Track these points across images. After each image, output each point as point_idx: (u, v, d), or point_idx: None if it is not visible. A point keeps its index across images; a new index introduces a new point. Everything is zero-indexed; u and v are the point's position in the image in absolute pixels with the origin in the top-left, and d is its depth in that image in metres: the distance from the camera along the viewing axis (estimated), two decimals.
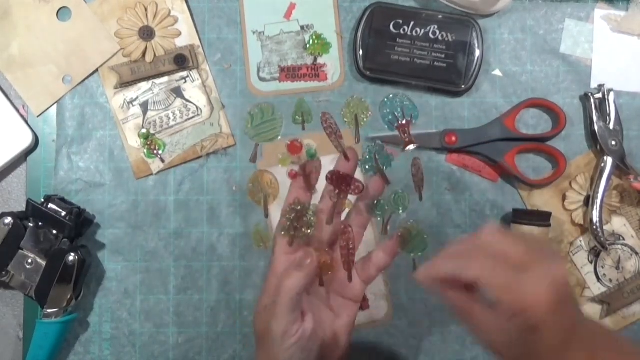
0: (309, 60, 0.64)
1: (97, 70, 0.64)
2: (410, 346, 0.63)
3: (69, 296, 0.59)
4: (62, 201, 0.61)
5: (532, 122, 0.64)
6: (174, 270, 0.63)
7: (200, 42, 0.64)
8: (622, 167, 0.62)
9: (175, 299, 0.63)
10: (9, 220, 0.59)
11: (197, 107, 0.64)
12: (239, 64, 0.64)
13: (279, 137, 0.48)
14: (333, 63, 0.64)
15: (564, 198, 0.63)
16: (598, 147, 0.62)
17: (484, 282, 0.41)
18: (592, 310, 0.62)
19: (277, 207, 0.49)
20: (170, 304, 0.63)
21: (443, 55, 0.63)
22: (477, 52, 0.62)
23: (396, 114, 0.49)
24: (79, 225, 0.61)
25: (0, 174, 0.64)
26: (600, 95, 0.63)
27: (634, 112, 0.64)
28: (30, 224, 0.60)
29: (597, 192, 0.61)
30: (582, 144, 0.64)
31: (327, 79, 0.64)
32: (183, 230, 0.63)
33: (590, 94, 0.63)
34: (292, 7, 0.64)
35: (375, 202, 0.49)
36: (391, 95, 0.49)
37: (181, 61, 0.63)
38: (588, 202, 0.62)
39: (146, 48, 0.63)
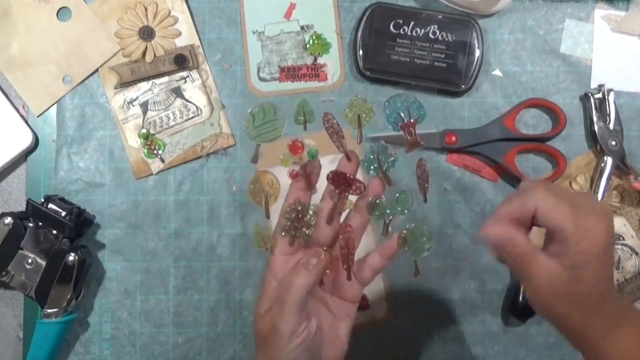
0: (309, 60, 0.64)
1: (97, 70, 0.64)
2: (410, 346, 0.63)
3: (69, 296, 0.59)
4: (62, 201, 0.61)
5: (532, 122, 0.64)
6: (174, 270, 0.63)
7: (200, 42, 0.64)
8: (622, 167, 0.62)
9: (175, 299, 0.63)
10: (9, 220, 0.59)
11: (197, 107, 0.64)
12: (239, 64, 0.64)
13: (281, 137, 0.48)
14: (333, 63, 0.64)
15: None
16: (598, 147, 0.62)
17: (546, 210, 0.43)
18: None
19: (278, 207, 0.49)
20: (170, 304, 0.63)
21: (443, 55, 0.63)
22: (477, 52, 0.62)
23: (401, 113, 0.49)
24: (79, 225, 0.61)
25: (0, 174, 0.64)
26: (600, 95, 0.63)
27: (634, 112, 0.64)
28: (30, 224, 0.60)
29: (597, 192, 0.61)
30: (582, 144, 0.64)
31: (327, 79, 0.64)
32: (183, 230, 0.63)
33: (590, 94, 0.63)
34: (292, 7, 0.64)
35: (377, 202, 0.48)
36: (397, 95, 0.49)
37: (181, 61, 0.63)
38: None
39: (146, 48, 0.63)
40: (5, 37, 0.63)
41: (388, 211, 0.48)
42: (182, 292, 0.63)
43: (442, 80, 0.63)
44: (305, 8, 0.64)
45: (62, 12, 0.64)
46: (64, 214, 0.60)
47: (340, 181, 0.47)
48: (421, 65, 0.63)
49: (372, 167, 0.48)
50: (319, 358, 0.48)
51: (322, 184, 0.49)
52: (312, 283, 0.46)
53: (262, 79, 0.64)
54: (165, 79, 0.64)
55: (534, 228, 0.45)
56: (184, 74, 0.64)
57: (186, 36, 0.64)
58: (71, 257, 0.59)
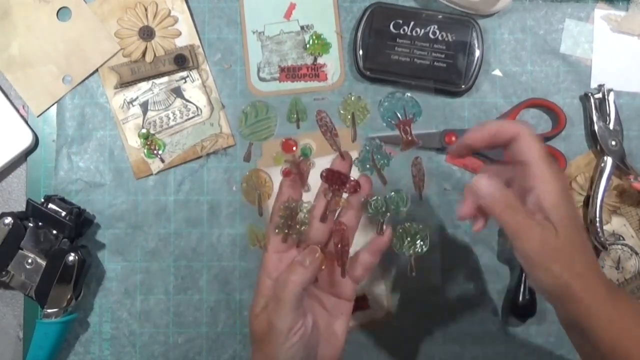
0: (309, 60, 0.64)
1: (97, 70, 0.64)
2: (410, 346, 0.63)
3: (69, 296, 0.59)
4: (62, 201, 0.61)
5: (532, 122, 0.64)
6: (174, 270, 0.63)
7: (200, 42, 0.64)
8: (622, 167, 0.62)
9: (175, 299, 0.63)
10: (9, 220, 0.59)
11: (197, 107, 0.64)
12: (239, 64, 0.64)
13: (273, 136, 0.48)
14: (333, 63, 0.64)
15: None
16: (598, 147, 0.62)
17: (526, 137, 0.44)
18: None
19: (271, 205, 0.49)
20: (170, 304, 0.63)
21: (443, 55, 0.63)
22: (477, 52, 0.62)
23: (397, 112, 0.48)
24: (79, 225, 0.61)
25: (0, 174, 0.64)
26: (600, 95, 0.63)
27: (634, 112, 0.64)
28: (30, 224, 0.60)
29: (597, 192, 0.61)
30: (582, 144, 0.64)
31: (327, 79, 0.64)
32: (183, 230, 0.63)
33: (590, 94, 0.63)
34: (292, 7, 0.64)
35: (371, 200, 0.48)
36: (391, 93, 0.49)
37: (181, 61, 0.63)
38: (588, 202, 0.62)
39: (146, 48, 0.63)
40: (5, 37, 0.63)
41: (383, 207, 0.49)
42: (182, 292, 0.63)
43: (442, 80, 0.63)
44: (305, 8, 0.64)
45: (62, 12, 0.64)
46: (64, 214, 0.60)
47: (334, 179, 0.47)
48: (421, 65, 0.63)
49: (366, 166, 0.48)
50: (315, 356, 0.48)
51: (315, 182, 0.49)
52: (308, 280, 0.46)
53: (262, 79, 0.64)
54: (165, 79, 0.64)
55: None
56: (184, 74, 0.64)
57: (186, 36, 0.64)
58: (71, 257, 0.59)
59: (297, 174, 0.47)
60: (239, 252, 0.63)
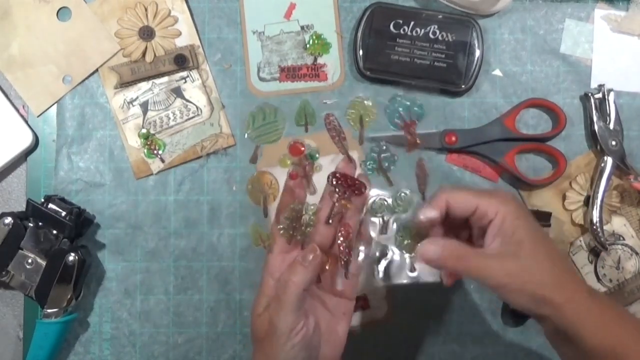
0: (309, 60, 0.64)
1: (97, 70, 0.64)
2: (410, 346, 0.63)
3: (69, 296, 0.59)
4: (62, 201, 0.61)
5: (532, 122, 0.64)
6: (174, 270, 0.63)
7: (200, 42, 0.64)
8: (622, 167, 0.62)
9: (175, 299, 0.63)
10: (9, 220, 0.59)
11: (197, 107, 0.64)
12: (239, 64, 0.64)
13: (281, 139, 0.48)
14: (333, 63, 0.64)
15: (564, 198, 0.63)
16: (598, 147, 0.62)
17: (452, 197, 0.46)
18: None
19: (276, 207, 0.49)
20: (170, 304, 0.63)
21: (443, 55, 0.63)
22: (477, 52, 0.62)
23: (402, 114, 0.49)
24: (79, 225, 0.61)
25: (0, 174, 0.64)
26: (600, 95, 0.63)
27: (634, 112, 0.64)
28: (30, 224, 0.60)
29: (597, 192, 0.61)
30: (582, 144, 0.64)
31: (327, 79, 0.64)
32: (183, 230, 0.63)
33: (590, 94, 0.63)
34: (292, 7, 0.64)
35: (376, 201, 0.49)
36: (398, 95, 0.49)
37: (181, 61, 0.63)
38: (588, 202, 0.62)
39: (146, 48, 0.63)
40: (5, 37, 0.63)
41: (388, 210, 0.49)
42: (182, 292, 0.63)
43: (442, 80, 0.63)
44: (305, 8, 0.64)
45: (62, 12, 0.64)
46: (64, 214, 0.60)
47: (345, 183, 0.47)
48: (421, 65, 0.63)
49: (373, 168, 0.49)
50: (317, 357, 0.48)
51: (321, 184, 0.49)
52: (309, 280, 0.46)
53: (262, 79, 0.64)
54: (165, 79, 0.64)
55: None
56: (184, 74, 0.64)
57: (186, 36, 0.64)
58: (71, 257, 0.59)
59: (304, 175, 0.48)
60: (239, 252, 0.63)
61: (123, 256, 0.63)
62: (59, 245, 0.60)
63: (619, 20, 0.64)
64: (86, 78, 0.64)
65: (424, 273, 0.61)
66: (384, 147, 0.49)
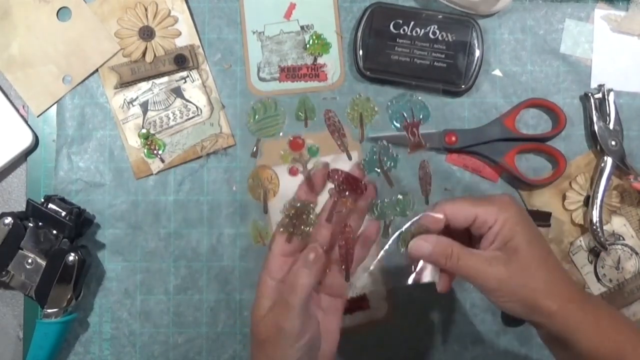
0: (309, 60, 0.64)
1: (97, 70, 0.64)
2: (410, 346, 0.63)
3: (69, 296, 0.59)
4: (62, 201, 0.61)
5: (532, 122, 0.64)
6: (174, 270, 0.63)
7: (200, 42, 0.64)
8: (622, 167, 0.62)
9: (175, 299, 0.63)
10: (9, 220, 0.59)
11: (197, 107, 0.64)
12: (239, 64, 0.64)
13: (281, 134, 0.48)
14: (333, 63, 0.64)
15: (564, 198, 0.63)
16: (598, 147, 0.62)
17: (448, 208, 0.46)
18: None
19: (276, 203, 0.49)
20: (170, 304, 0.63)
21: (443, 55, 0.63)
22: (477, 52, 0.62)
23: (405, 114, 0.49)
24: (79, 225, 0.61)
25: (0, 174, 0.64)
26: (600, 95, 0.62)
27: (634, 112, 0.64)
28: (30, 224, 0.60)
29: (597, 192, 0.61)
30: (582, 144, 0.64)
31: (327, 79, 0.64)
32: (183, 230, 0.63)
33: (590, 94, 0.63)
34: (292, 7, 0.64)
35: (377, 203, 0.48)
36: (400, 95, 0.49)
37: (181, 61, 0.63)
38: (588, 202, 0.62)
39: (146, 48, 0.63)
40: (5, 37, 0.63)
41: (389, 210, 0.49)
42: (182, 292, 0.63)
43: (442, 80, 0.63)
44: (305, 8, 0.64)
45: (62, 12, 0.64)
46: (64, 214, 0.60)
47: (347, 181, 0.47)
48: (421, 65, 0.63)
49: (373, 168, 0.48)
50: (316, 356, 0.48)
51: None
52: (315, 282, 0.46)
53: (262, 79, 0.64)
54: (165, 79, 0.64)
55: None
56: (184, 74, 0.64)
57: (186, 36, 0.64)
58: (71, 257, 0.59)
59: (308, 180, 0.47)
60: (239, 252, 0.63)
61: (123, 256, 0.63)
62: (59, 245, 0.60)
63: (619, 20, 0.64)
64: (86, 78, 0.64)
65: (425, 274, 0.61)
66: (385, 148, 0.48)
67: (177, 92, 0.64)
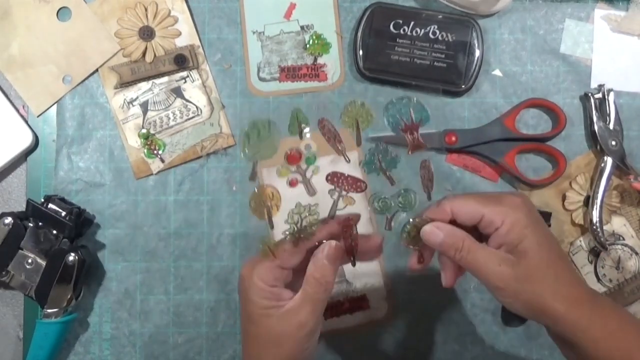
0: (309, 60, 0.64)
1: (97, 70, 0.64)
2: (410, 346, 0.63)
3: (69, 296, 0.59)
4: (62, 201, 0.61)
5: (532, 122, 0.64)
6: (174, 270, 0.63)
7: (200, 42, 0.64)
8: (622, 167, 0.62)
9: (175, 299, 0.63)
10: (9, 220, 0.59)
11: (197, 107, 0.64)
12: (239, 64, 0.64)
13: (277, 152, 0.48)
14: (333, 63, 0.64)
15: (564, 198, 0.63)
16: (598, 147, 0.62)
17: (457, 206, 0.46)
18: None
19: (280, 217, 0.49)
20: (170, 304, 0.63)
21: (443, 55, 0.63)
22: (477, 52, 0.62)
23: (401, 116, 0.49)
24: (79, 225, 0.61)
25: (0, 174, 0.64)
26: (600, 95, 0.62)
27: (634, 112, 0.64)
28: (30, 224, 0.60)
29: (597, 192, 0.61)
30: (582, 144, 0.64)
31: (327, 79, 0.64)
32: (183, 230, 0.63)
33: (590, 94, 0.63)
34: (292, 7, 0.64)
35: (381, 197, 0.49)
36: (399, 98, 0.49)
37: (181, 61, 0.63)
38: (588, 202, 0.62)
39: (146, 48, 0.63)
40: (5, 37, 0.63)
41: (392, 204, 0.49)
42: (182, 292, 0.63)
43: (442, 80, 0.63)
44: (305, 8, 0.64)
45: (62, 12, 0.64)
46: (64, 214, 0.60)
47: (341, 182, 0.47)
48: (421, 65, 0.63)
49: (372, 167, 0.49)
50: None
51: (320, 185, 0.49)
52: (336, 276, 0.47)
53: (262, 79, 0.64)
54: (165, 79, 0.64)
55: None
56: (184, 74, 0.64)
57: (186, 36, 0.64)
58: (71, 257, 0.59)
59: (347, 248, 0.48)
60: (239, 252, 0.63)
61: (123, 256, 0.63)
62: (59, 245, 0.60)
63: (619, 20, 0.64)
64: (86, 78, 0.64)
65: (426, 274, 0.61)
66: (384, 149, 0.48)
67: (177, 92, 0.64)
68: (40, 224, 0.60)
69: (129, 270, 0.63)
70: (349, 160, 0.49)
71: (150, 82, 0.64)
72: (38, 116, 0.64)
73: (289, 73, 0.64)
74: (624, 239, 0.63)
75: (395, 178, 0.49)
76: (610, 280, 0.62)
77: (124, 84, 0.63)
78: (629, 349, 0.43)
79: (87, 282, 0.62)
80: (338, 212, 0.50)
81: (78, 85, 0.64)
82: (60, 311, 0.59)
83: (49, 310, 0.59)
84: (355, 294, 0.62)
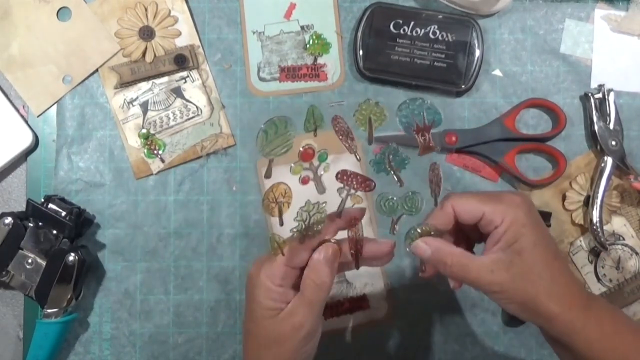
0: (309, 60, 0.64)
1: (97, 70, 0.64)
2: (410, 346, 0.63)
3: (69, 296, 0.59)
4: (62, 201, 0.61)
5: (532, 122, 0.64)
6: (174, 270, 0.63)
7: (200, 42, 0.64)
8: (622, 167, 0.62)
9: (175, 299, 0.63)
10: (9, 220, 0.59)
11: (197, 107, 0.64)
12: (239, 64, 0.64)
13: (292, 149, 0.48)
14: (333, 63, 0.64)
15: (564, 198, 0.63)
16: (598, 147, 0.62)
17: (459, 204, 0.46)
18: None
19: (291, 214, 0.49)
20: (170, 304, 0.63)
21: (443, 55, 0.63)
22: (477, 52, 0.62)
23: (413, 117, 0.49)
24: (79, 225, 0.61)
25: (0, 174, 0.64)
26: (600, 95, 0.63)
27: (634, 112, 0.64)
28: (30, 224, 0.60)
29: (597, 192, 0.61)
30: (582, 144, 0.64)
31: (327, 79, 0.64)
32: (183, 230, 0.63)
33: (590, 94, 0.63)
34: (292, 7, 0.64)
35: (387, 198, 0.49)
36: (411, 99, 0.49)
37: (181, 61, 0.63)
38: (588, 202, 0.62)
39: (146, 48, 0.63)
40: (5, 37, 0.63)
41: (398, 207, 0.49)
42: (182, 292, 0.63)
43: (442, 80, 0.63)
44: (305, 8, 0.64)
45: (62, 12, 0.64)
46: (64, 214, 0.60)
47: (349, 180, 0.47)
48: (421, 65, 0.63)
49: (382, 167, 0.49)
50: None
51: (330, 182, 0.48)
52: (334, 278, 0.47)
53: (262, 79, 0.64)
54: (165, 79, 0.64)
55: None
56: (184, 74, 0.64)
57: (186, 36, 0.64)
58: (71, 257, 0.59)
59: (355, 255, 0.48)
60: (239, 252, 0.63)
61: (123, 256, 0.63)
62: (59, 245, 0.60)
63: (619, 20, 0.64)
64: (86, 78, 0.64)
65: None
66: (395, 149, 0.49)
67: (177, 92, 0.64)
68: (40, 224, 0.60)
69: (129, 270, 0.63)
70: (360, 159, 0.49)
71: (150, 82, 0.64)
72: (38, 116, 0.64)
73: (289, 73, 0.64)
74: (624, 239, 0.63)
75: (404, 179, 0.49)
76: (610, 280, 0.62)
77: (124, 84, 0.63)
78: (623, 350, 0.43)
79: (87, 282, 0.62)
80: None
81: (78, 85, 0.64)
82: (60, 311, 0.59)
83: (49, 310, 0.59)
84: (355, 294, 0.62)
